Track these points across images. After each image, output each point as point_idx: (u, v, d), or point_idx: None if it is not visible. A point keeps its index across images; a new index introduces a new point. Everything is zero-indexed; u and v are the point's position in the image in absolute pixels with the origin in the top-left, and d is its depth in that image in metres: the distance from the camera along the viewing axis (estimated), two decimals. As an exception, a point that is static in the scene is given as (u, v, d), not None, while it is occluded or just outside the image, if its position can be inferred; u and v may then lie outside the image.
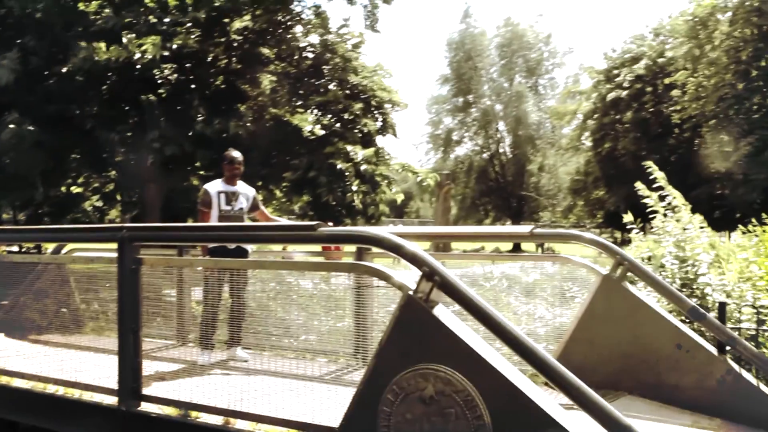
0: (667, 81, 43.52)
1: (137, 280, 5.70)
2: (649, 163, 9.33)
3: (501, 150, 68.67)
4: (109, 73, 19.06)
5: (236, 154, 8.23)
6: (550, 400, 3.94)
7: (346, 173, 21.58)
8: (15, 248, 23.76)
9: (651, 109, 46.44)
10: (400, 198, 25.42)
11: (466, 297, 4.09)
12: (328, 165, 21.49)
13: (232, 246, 7.49)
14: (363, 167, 22.24)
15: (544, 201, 67.49)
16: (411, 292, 4.21)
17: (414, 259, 4.27)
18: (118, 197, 25.95)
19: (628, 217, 9.26)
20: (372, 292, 6.56)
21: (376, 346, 4.48)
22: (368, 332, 6.22)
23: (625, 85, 47.53)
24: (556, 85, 70.73)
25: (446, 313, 4.19)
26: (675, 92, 42.00)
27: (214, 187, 8.11)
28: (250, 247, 8.07)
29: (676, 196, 8.85)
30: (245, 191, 8.25)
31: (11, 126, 17.74)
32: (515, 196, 66.28)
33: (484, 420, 3.91)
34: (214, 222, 7.79)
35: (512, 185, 66.61)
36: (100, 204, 30.90)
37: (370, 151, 22.59)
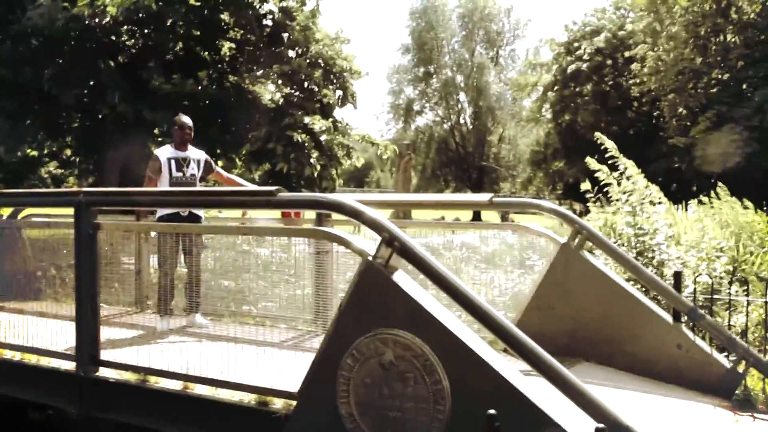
0: (626, 54, 43.83)
1: (95, 246, 5.65)
2: (599, 135, 9.41)
3: (462, 121, 68.75)
4: (67, 37, 18.69)
5: (186, 119, 8.03)
6: (508, 366, 3.98)
7: (305, 144, 21.45)
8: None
9: (611, 82, 46.75)
10: (360, 163, 25.27)
11: (425, 263, 4.11)
12: (286, 137, 21.34)
13: (185, 212, 7.38)
14: (322, 138, 22.14)
15: (504, 172, 67.83)
16: (370, 258, 4.22)
17: (374, 225, 4.27)
18: (78, 161, 25.48)
19: (585, 185, 9.36)
20: (331, 258, 6.57)
21: (336, 311, 4.49)
22: (328, 298, 6.23)
23: (585, 57, 47.73)
24: (516, 57, 70.85)
25: (406, 278, 4.21)
26: (634, 66, 42.23)
27: (164, 153, 7.87)
28: (202, 214, 7.95)
29: (628, 166, 8.94)
30: (196, 156, 8.03)
31: None
32: (475, 167, 66.49)
33: (442, 384, 3.94)
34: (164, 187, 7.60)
35: (472, 156, 66.80)
36: (57, 171, 30.50)
37: (327, 122, 22.45)
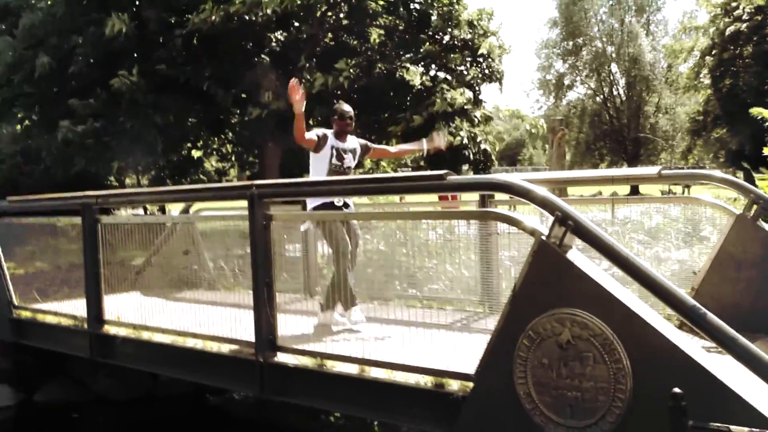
0: (789, 10, 41.42)
1: (268, 236, 5.86)
2: (759, 110, 8.97)
3: (615, 92, 66.99)
4: (224, 35, 19.25)
5: (347, 108, 7.51)
6: (691, 343, 3.87)
7: (452, 114, 21.21)
8: (140, 211, 24.70)
9: (773, 42, 44.38)
10: (494, 147, 24.56)
11: (601, 241, 4.05)
12: (429, 113, 21.14)
13: (340, 202, 7.05)
14: (476, 113, 21.98)
15: (661, 143, 65.61)
16: (544, 237, 4.19)
17: (545, 204, 4.25)
18: (238, 155, 26.30)
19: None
20: (498, 239, 6.54)
21: (509, 292, 4.48)
22: (496, 279, 6.22)
23: (745, 17, 45.44)
24: (668, 22, 68.39)
25: (580, 257, 4.16)
26: (798, 22, 39.93)
27: (330, 136, 7.35)
28: (352, 204, 7.49)
29: None
30: (354, 146, 7.51)
31: (122, 78, 18.16)
32: (631, 139, 64.63)
33: (623, 363, 3.88)
34: (322, 176, 7.17)
35: (627, 128, 64.94)
36: (219, 165, 31.67)
37: (468, 95, 22.07)
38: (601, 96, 67.11)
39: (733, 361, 3.68)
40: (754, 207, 6.26)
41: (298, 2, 18.87)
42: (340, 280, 6.60)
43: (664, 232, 8.05)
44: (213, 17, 18.05)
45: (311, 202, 7.11)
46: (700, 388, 3.64)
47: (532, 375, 4.20)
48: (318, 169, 7.29)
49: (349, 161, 7.39)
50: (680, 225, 7.65)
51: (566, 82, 69.15)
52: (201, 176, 31.02)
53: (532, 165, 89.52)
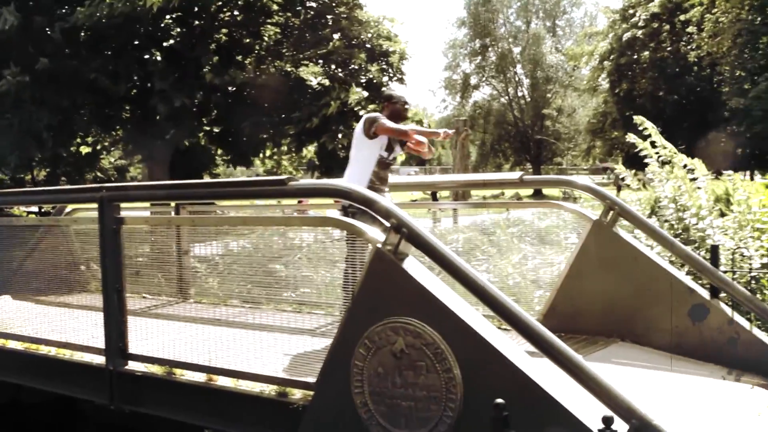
0: (683, 18, 42.63)
1: (119, 240, 5.68)
2: (639, 117, 9.15)
3: (519, 94, 68.06)
4: (111, 30, 18.73)
5: (401, 94, 6.78)
6: (517, 350, 3.88)
7: (344, 118, 20.96)
8: (35, 208, 23.95)
9: (668, 48, 45.67)
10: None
11: (433, 248, 4.05)
12: (322, 114, 20.80)
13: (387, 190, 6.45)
14: (361, 113, 21.96)
15: (563, 144, 66.92)
16: (380, 245, 4.16)
17: (383, 212, 4.23)
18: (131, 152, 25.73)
19: (619, 167, 9.09)
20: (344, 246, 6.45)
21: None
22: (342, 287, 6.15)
23: (641, 24, 46.69)
24: (574, 25, 69.83)
25: (416, 265, 4.14)
26: (691, 29, 41.14)
27: None
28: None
29: (667, 147, 8.72)
30: None
31: (9, 78, 17.55)
32: (534, 139, 65.77)
33: (453, 373, 3.87)
34: (370, 166, 6.42)
35: (531, 129, 66.09)
36: (120, 162, 31.07)
37: (363, 93, 21.84)
38: (506, 97, 68.13)
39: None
40: (611, 213, 6.37)
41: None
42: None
43: (533, 236, 8.15)
44: (97, 14, 17.54)
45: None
46: (525, 397, 3.67)
47: (369, 384, 4.17)
48: (363, 157, 6.51)
49: (397, 151, 6.76)
50: (552, 229, 7.76)
51: (472, 82, 69.94)
52: (98, 173, 30.23)
53: (440, 165, 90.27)
